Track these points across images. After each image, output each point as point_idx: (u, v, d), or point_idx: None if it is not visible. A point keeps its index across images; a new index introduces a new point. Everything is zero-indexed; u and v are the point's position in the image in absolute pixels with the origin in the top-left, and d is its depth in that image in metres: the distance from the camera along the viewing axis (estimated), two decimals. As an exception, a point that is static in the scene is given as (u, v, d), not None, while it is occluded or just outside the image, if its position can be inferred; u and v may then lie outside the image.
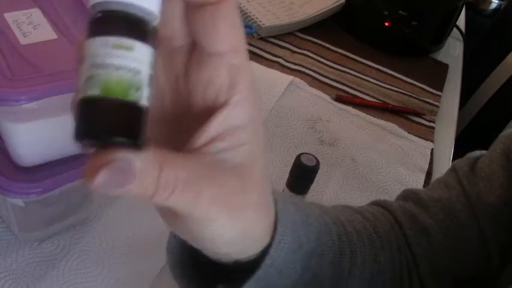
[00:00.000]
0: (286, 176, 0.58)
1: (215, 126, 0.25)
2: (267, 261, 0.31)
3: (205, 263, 0.31)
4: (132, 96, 0.20)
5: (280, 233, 0.32)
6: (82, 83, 0.20)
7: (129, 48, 0.20)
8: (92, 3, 0.21)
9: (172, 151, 0.24)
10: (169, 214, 0.26)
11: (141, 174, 0.21)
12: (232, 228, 0.27)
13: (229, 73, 0.25)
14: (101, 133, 0.20)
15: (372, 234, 0.42)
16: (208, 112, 0.25)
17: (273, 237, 0.31)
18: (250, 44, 0.91)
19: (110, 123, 0.20)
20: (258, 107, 0.27)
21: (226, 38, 0.24)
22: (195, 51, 0.25)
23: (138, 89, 0.20)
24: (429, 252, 0.44)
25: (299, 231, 0.34)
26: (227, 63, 0.24)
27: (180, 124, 0.27)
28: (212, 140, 0.25)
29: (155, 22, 0.22)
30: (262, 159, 0.28)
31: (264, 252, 0.31)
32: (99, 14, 0.21)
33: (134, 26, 0.21)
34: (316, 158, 0.55)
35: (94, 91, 0.20)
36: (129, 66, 0.20)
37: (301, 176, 0.56)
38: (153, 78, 0.21)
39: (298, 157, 0.55)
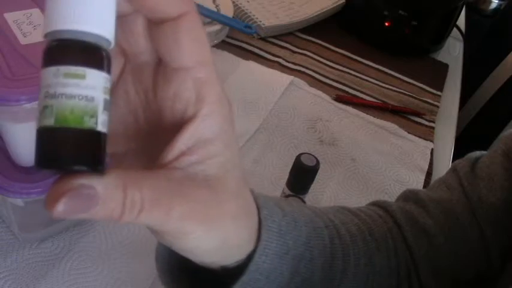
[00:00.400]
0: (286, 176, 0.58)
1: (184, 140, 0.25)
2: (252, 267, 0.31)
3: (194, 268, 0.31)
4: (87, 124, 0.21)
5: (264, 239, 0.32)
6: (38, 113, 0.21)
7: (80, 76, 0.21)
8: (45, 32, 0.21)
9: (143, 169, 0.25)
10: (148, 228, 0.26)
11: (104, 198, 0.22)
12: (210, 239, 0.27)
13: (195, 87, 0.25)
14: (59, 162, 0.21)
15: (366, 236, 0.42)
16: (178, 126, 0.25)
17: (257, 244, 0.32)
18: (250, 44, 0.91)
19: (67, 152, 0.21)
20: (229, 118, 0.26)
21: (190, 53, 0.24)
22: (161, 66, 0.25)
23: (92, 115, 0.21)
24: (429, 254, 0.44)
25: (285, 236, 0.34)
26: (193, 77, 0.24)
27: (154, 138, 0.27)
28: (182, 154, 0.25)
29: (109, 47, 0.22)
30: (238, 169, 0.28)
31: (249, 258, 0.31)
32: (52, 43, 0.21)
33: (85, 54, 0.21)
34: (316, 158, 0.55)
35: (49, 121, 0.20)
36: (82, 94, 0.20)
37: (301, 176, 0.56)
38: (109, 103, 0.22)
39: (298, 157, 0.55)
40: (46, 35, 0.21)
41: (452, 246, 0.44)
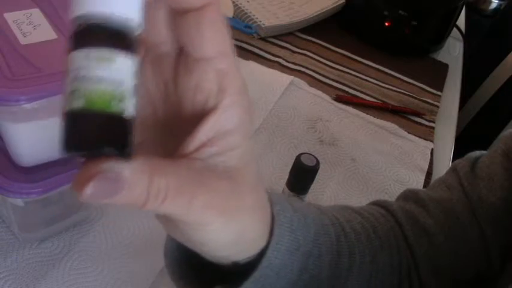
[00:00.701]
0: (286, 176, 0.58)
1: (205, 131, 0.25)
2: (264, 262, 0.31)
3: (203, 264, 0.31)
4: (116, 108, 0.20)
5: (277, 235, 0.32)
6: (66, 97, 0.21)
7: (110, 60, 0.20)
8: (73, 15, 0.21)
9: (163, 158, 0.24)
10: (165, 219, 0.26)
11: (130, 183, 0.22)
12: (227, 231, 0.27)
13: (217, 78, 0.25)
14: (88, 145, 0.20)
15: (370, 234, 0.42)
16: (199, 117, 0.25)
17: (270, 239, 0.32)
18: (250, 44, 0.91)
19: (95, 135, 0.20)
20: (249, 111, 0.27)
21: (212, 43, 0.24)
22: (182, 56, 0.25)
23: (121, 100, 0.21)
24: (429, 253, 0.44)
25: (296, 232, 0.34)
26: (214, 68, 0.24)
27: (172, 129, 0.27)
28: (202, 146, 0.25)
29: (137, 32, 0.22)
30: (254, 162, 0.28)
31: (262, 254, 0.31)
32: (81, 27, 0.21)
33: (115, 37, 0.21)
34: (316, 158, 0.55)
35: (78, 104, 0.20)
36: (111, 78, 0.20)
37: (301, 176, 0.56)
38: (137, 88, 0.22)
39: (298, 157, 0.55)
40: (75, 19, 0.21)
41: (452, 245, 0.44)
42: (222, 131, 0.25)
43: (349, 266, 0.39)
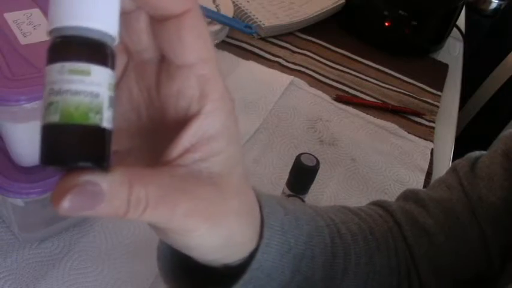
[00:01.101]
0: (286, 176, 0.58)
1: (188, 137, 0.25)
2: (254, 265, 0.31)
3: (195, 267, 0.31)
4: (92, 120, 0.20)
5: (267, 237, 0.32)
6: (43, 110, 0.21)
7: (85, 73, 0.20)
8: (49, 28, 0.21)
9: (149, 165, 0.25)
10: (152, 225, 0.26)
11: (109, 195, 0.21)
12: (214, 237, 0.27)
13: (199, 84, 0.25)
14: (64, 159, 0.21)
15: (367, 235, 0.42)
16: (182, 123, 0.25)
17: (259, 242, 0.32)
18: (250, 44, 0.91)
19: (72, 148, 0.20)
20: (232, 115, 0.27)
21: (193, 50, 0.24)
22: (164, 63, 0.25)
23: (97, 112, 0.21)
24: (429, 253, 0.44)
25: (287, 234, 0.34)
26: (196, 74, 0.24)
27: (157, 136, 0.27)
28: (186, 152, 0.25)
29: (114, 43, 0.22)
30: (241, 166, 0.28)
31: (252, 256, 0.31)
32: (56, 40, 0.21)
33: (90, 50, 0.21)
34: (316, 158, 0.55)
35: (54, 118, 0.20)
36: (87, 91, 0.20)
37: (301, 176, 0.56)
38: (114, 99, 0.22)
39: (298, 157, 0.55)
40: (50, 32, 0.21)
41: (452, 245, 0.44)
42: (205, 136, 0.25)
43: (344, 267, 0.39)
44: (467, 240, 0.44)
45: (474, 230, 0.44)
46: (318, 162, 0.55)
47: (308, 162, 0.55)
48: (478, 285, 0.45)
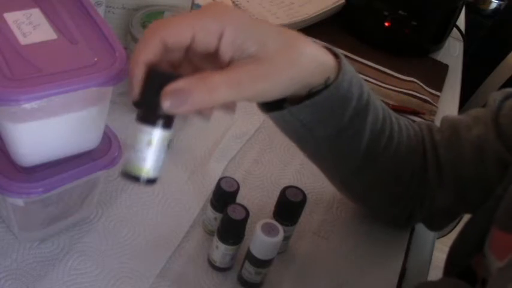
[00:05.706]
0: (286, 176, 0.58)
1: (227, 43, 0.40)
2: (336, 82, 0.46)
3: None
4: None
5: (343, 71, 0.46)
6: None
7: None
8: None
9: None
10: (245, 100, 0.43)
11: (189, 89, 0.38)
12: (281, 86, 0.42)
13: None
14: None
15: (409, 130, 0.57)
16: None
17: (337, 74, 0.46)
18: (250, 44, 0.91)
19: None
20: (247, 20, 0.41)
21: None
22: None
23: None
24: (449, 147, 0.57)
25: (352, 88, 0.47)
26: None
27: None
28: (233, 52, 0.40)
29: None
30: (271, 39, 0.41)
31: (327, 86, 0.46)
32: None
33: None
34: (302, 192, 0.54)
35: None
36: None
37: (288, 210, 0.55)
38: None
39: (283, 191, 0.54)
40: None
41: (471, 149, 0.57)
42: (237, 42, 0.40)
43: (385, 145, 0.53)
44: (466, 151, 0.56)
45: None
46: (304, 195, 0.54)
47: (293, 197, 0.53)
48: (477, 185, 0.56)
